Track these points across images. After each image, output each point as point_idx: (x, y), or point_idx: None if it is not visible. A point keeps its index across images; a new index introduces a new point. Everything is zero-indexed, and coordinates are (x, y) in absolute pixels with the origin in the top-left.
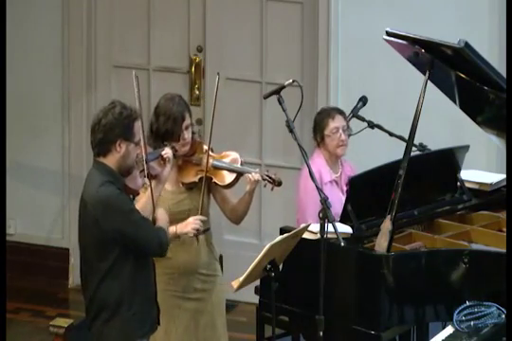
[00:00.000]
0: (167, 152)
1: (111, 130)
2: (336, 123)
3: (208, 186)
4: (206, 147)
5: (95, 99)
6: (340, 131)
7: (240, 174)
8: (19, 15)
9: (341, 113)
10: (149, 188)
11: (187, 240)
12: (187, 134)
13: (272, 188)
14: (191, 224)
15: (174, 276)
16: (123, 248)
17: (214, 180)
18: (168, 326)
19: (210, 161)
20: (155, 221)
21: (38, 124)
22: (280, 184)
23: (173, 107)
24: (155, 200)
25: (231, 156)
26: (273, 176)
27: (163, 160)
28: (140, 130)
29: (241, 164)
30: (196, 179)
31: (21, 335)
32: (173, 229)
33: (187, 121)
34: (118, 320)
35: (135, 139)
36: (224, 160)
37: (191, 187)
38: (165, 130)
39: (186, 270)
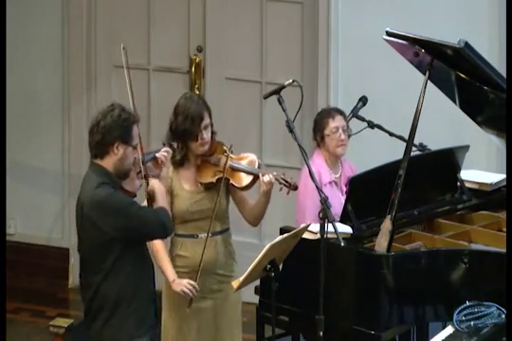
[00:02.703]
0: (162, 153)
1: (109, 132)
2: (335, 123)
3: (226, 186)
4: (225, 147)
5: (95, 99)
6: (340, 130)
7: (257, 177)
8: (19, 15)
9: (341, 113)
10: (154, 189)
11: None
12: (205, 134)
13: (288, 192)
14: (182, 285)
15: (191, 275)
16: (123, 247)
17: (232, 181)
18: (181, 325)
19: (229, 162)
20: (150, 195)
21: (38, 124)
22: (296, 188)
23: (191, 106)
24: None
25: (249, 158)
26: (289, 180)
27: (158, 162)
28: (138, 134)
29: (258, 166)
30: (214, 180)
31: (21, 335)
32: (170, 276)
33: (205, 121)
34: (118, 319)
35: (133, 143)
36: (242, 162)
37: (209, 187)
38: (183, 129)
39: (203, 270)
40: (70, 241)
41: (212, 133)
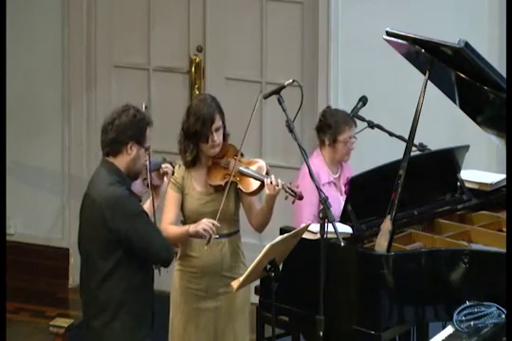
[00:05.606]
0: (167, 165)
1: (124, 131)
2: (351, 132)
3: (236, 190)
4: (237, 150)
5: (95, 99)
6: (352, 139)
7: (264, 183)
8: (19, 15)
9: (354, 122)
10: (152, 200)
11: (213, 241)
12: (216, 137)
13: (293, 202)
14: (202, 224)
15: (197, 275)
16: (127, 250)
17: (239, 186)
18: (187, 324)
19: (237, 166)
20: None
21: (38, 124)
22: (301, 198)
23: (203, 108)
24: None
25: (258, 164)
26: (295, 189)
27: (162, 173)
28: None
29: (266, 172)
30: (223, 183)
31: (21, 335)
32: (185, 228)
33: (217, 123)
34: (119, 323)
35: (145, 144)
36: (251, 167)
37: (218, 189)
38: (194, 130)
39: (209, 271)
40: (70, 241)
41: (225, 135)
